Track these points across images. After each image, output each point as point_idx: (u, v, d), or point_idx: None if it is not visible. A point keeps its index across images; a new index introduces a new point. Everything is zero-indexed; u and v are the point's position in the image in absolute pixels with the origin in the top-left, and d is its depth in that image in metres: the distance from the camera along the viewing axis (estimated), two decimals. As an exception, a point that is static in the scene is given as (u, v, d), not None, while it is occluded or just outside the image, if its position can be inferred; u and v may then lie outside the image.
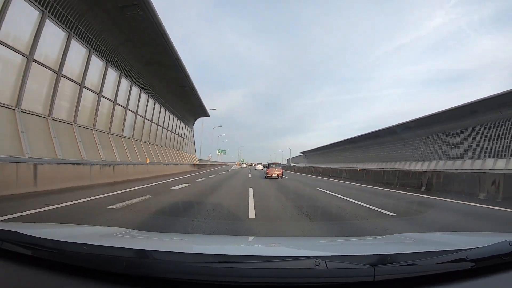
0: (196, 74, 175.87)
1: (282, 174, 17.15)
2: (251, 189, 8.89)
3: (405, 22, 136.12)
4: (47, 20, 9.43)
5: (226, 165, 68.44)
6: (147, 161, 18.19)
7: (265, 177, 17.00)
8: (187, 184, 10.38)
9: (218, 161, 66.47)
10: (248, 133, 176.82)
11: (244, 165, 68.64)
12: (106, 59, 13.82)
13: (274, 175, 16.41)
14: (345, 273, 0.84)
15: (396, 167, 28.66)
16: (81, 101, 12.17)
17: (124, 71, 15.85)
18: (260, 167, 36.39)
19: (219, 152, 66.02)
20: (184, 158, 32.11)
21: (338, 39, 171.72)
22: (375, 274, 0.82)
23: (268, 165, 17.85)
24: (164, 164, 20.52)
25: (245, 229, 3.80)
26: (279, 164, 17.93)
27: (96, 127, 13.66)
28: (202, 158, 45.16)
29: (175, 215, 4.60)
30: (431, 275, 0.88)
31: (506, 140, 20.83)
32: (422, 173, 11.07)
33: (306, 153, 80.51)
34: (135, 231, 1.72)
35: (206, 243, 1.53)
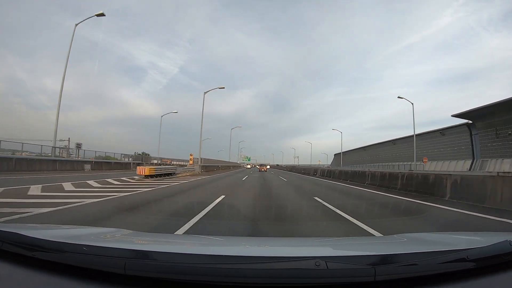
0: (205, 75, 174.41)
1: (267, 169, 33.89)
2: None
3: (413, 21, 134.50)
4: None
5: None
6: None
7: (258, 170, 31.39)
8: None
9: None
10: (258, 133, 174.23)
11: (249, 166, 60.55)
12: None
13: (262, 170, 31.62)
14: (345, 274, 0.84)
15: None
16: None
17: None
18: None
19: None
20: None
21: (346, 38, 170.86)
22: (376, 274, 0.82)
23: (260, 165, 36.02)
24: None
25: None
26: (264, 164, 38.02)
27: None
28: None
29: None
30: (432, 275, 0.87)
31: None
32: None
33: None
34: (134, 231, 1.72)
35: (206, 244, 1.52)
